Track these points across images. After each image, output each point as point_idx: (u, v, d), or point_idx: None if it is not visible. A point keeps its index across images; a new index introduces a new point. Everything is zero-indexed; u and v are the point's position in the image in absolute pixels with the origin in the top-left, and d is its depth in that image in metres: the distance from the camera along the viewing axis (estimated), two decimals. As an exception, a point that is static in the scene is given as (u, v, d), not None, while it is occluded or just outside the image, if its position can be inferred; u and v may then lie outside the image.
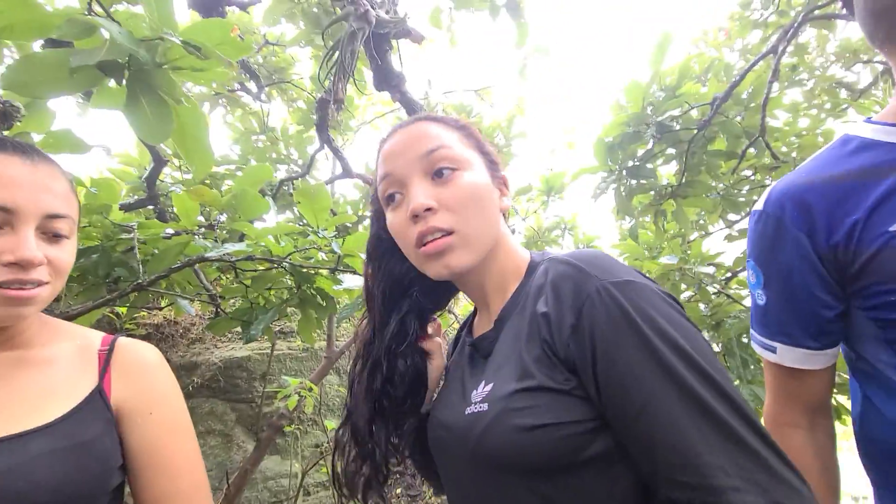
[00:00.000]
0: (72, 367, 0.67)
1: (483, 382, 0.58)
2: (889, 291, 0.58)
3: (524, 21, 1.93)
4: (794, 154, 2.17)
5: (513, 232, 0.74)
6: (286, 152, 2.87)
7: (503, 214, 0.69)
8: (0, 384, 0.62)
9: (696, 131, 1.85)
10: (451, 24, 2.12)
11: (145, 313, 2.86)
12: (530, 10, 1.96)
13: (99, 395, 0.66)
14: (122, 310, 2.03)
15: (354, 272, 1.34)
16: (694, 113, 1.99)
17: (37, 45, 1.37)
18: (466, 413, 0.57)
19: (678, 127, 1.86)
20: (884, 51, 0.63)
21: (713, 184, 2.07)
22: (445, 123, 0.67)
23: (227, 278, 2.16)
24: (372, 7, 1.39)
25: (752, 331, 0.76)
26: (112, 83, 0.91)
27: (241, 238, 1.81)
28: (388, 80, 1.52)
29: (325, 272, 1.44)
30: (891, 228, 0.57)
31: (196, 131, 0.96)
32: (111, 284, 1.63)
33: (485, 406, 0.54)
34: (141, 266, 1.38)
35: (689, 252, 2.10)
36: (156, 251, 1.52)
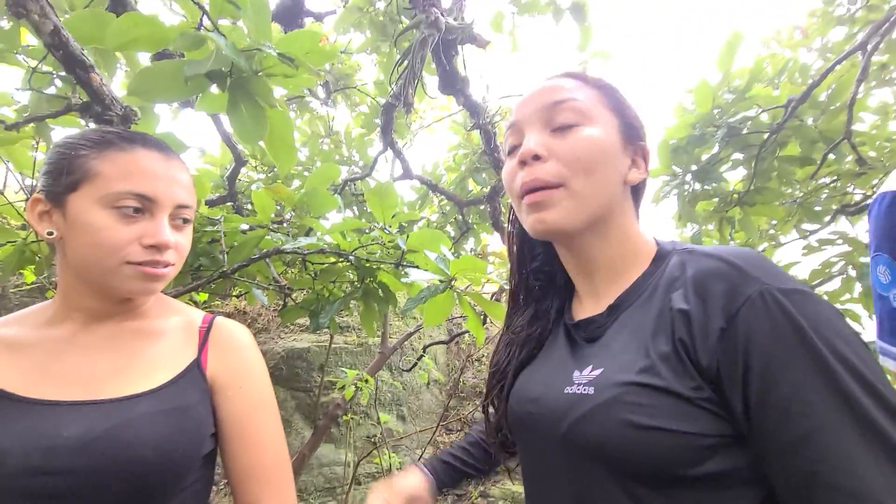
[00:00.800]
0: (177, 339, 0.75)
1: (591, 366, 0.54)
2: None
3: (587, 24, 1.93)
4: (883, 160, 2.01)
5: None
6: (348, 154, 3.02)
7: (633, 190, 0.63)
8: (119, 350, 0.70)
9: (767, 135, 1.77)
10: (513, 28, 2.16)
11: (219, 302, 3.09)
12: (593, 14, 1.96)
13: (197, 367, 0.73)
14: (202, 297, 2.22)
15: (416, 267, 1.40)
16: (765, 117, 1.90)
17: (143, 57, 1.56)
18: (566, 392, 0.54)
19: (747, 130, 1.79)
20: None
21: (785, 191, 1.96)
22: (585, 80, 0.62)
23: (293, 272, 2.31)
24: (441, 14, 1.45)
25: (882, 343, 0.65)
26: (215, 89, 1.03)
27: (308, 233, 1.93)
28: (453, 83, 1.58)
29: (387, 267, 1.51)
30: None
31: (283, 133, 1.07)
32: (195, 272, 1.80)
33: (590, 390, 0.51)
34: (225, 256, 1.52)
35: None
36: (235, 244, 1.66)
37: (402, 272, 1.26)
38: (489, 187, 2.58)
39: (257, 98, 0.97)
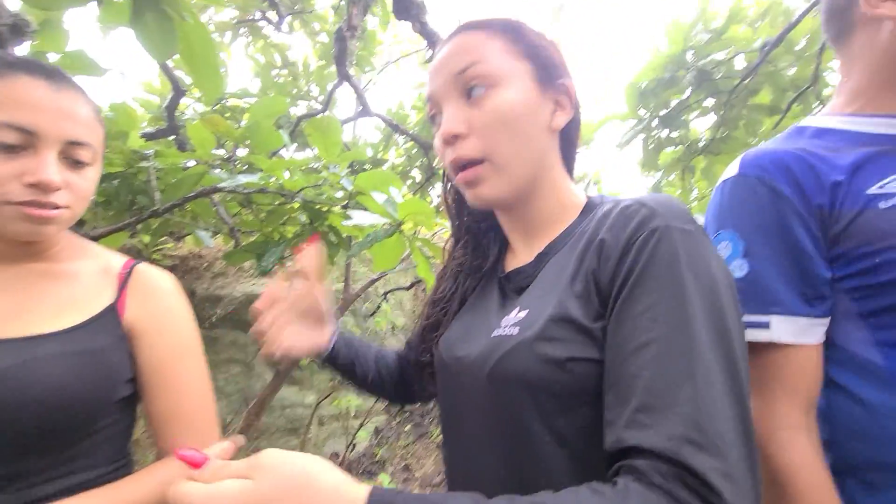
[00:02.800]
0: (92, 283, 0.71)
1: (517, 309, 0.56)
2: (869, 254, 0.56)
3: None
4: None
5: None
6: (307, 88, 2.81)
7: (563, 133, 0.62)
8: (22, 292, 0.66)
9: (738, 81, 1.71)
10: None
11: (172, 244, 2.96)
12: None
13: (112, 312, 0.70)
14: (144, 238, 2.10)
15: (365, 209, 1.33)
16: (740, 61, 1.83)
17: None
18: (492, 336, 0.56)
19: (720, 75, 1.72)
20: (833, 48, 0.70)
21: (751, 140, 1.94)
22: (490, 29, 0.59)
23: (246, 214, 2.20)
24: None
25: None
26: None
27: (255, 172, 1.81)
28: (407, 9, 1.43)
29: (337, 209, 1.43)
30: (869, 191, 0.58)
31: (204, 51, 0.94)
32: (135, 211, 1.67)
33: (514, 330, 0.53)
34: (158, 194, 1.40)
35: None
36: (173, 181, 1.54)
37: (346, 215, 1.19)
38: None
39: (164, 6, 0.84)
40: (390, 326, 3.83)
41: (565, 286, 0.52)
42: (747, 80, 1.75)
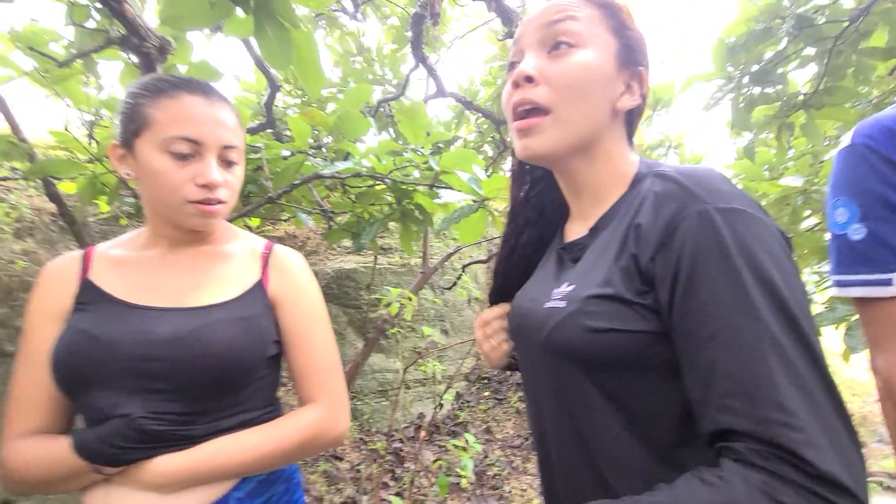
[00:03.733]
0: (243, 262, 0.86)
1: (567, 283, 0.60)
2: None
3: None
4: None
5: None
6: (381, 73, 2.94)
7: (628, 115, 0.64)
8: (196, 270, 0.83)
9: (846, 24, 1.55)
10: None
11: (270, 226, 3.29)
12: None
13: (260, 286, 0.85)
14: (254, 222, 2.38)
15: (450, 188, 1.43)
16: (847, 2, 1.65)
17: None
18: (545, 307, 0.61)
19: (823, 20, 1.57)
20: None
21: (861, 90, 1.75)
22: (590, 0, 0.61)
23: (335, 196, 2.40)
24: None
25: (841, 276, 0.71)
26: (241, 13, 1.02)
27: (346, 157, 1.97)
28: (483, -12, 1.47)
29: (422, 188, 1.55)
30: None
31: (309, 54, 1.06)
32: (244, 199, 1.91)
33: (563, 304, 0.57)
34: (269, 182, 1.60)
35: (819, 172, 1.85)
36: (278, 170, 1.74)
37: (435, 193, 1.29)
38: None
39: (281, 18, 0.96)
40: (466, 299, 3.98)
41: (610, 262, 0.54)
42: (858, 21, 1.58)
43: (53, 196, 1.59)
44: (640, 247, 0.52)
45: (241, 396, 0.80)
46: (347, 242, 3.33)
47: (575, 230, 0.68)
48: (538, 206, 0.76)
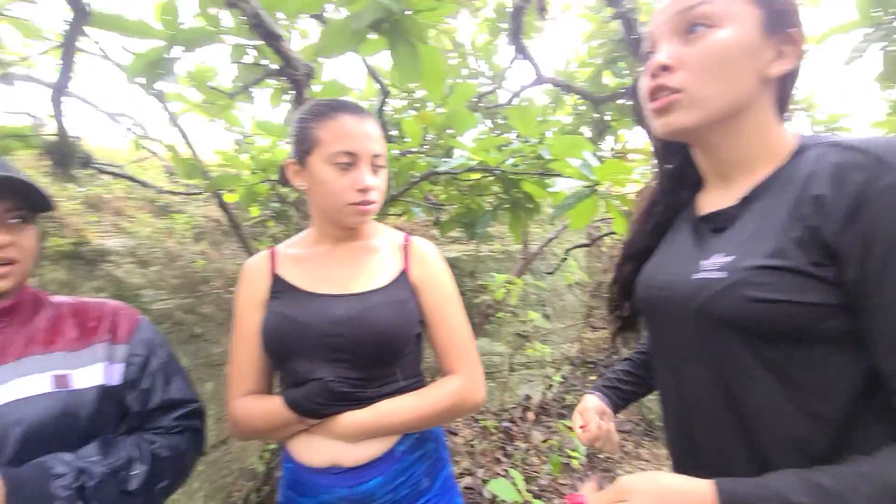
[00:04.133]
0: (388, 254, 1.01)
1: (721, 253, 0.59)
2: None
3: None
4: None
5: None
6: (476, 66, 3.02)
7: (781, 80, 0.62)
8: (355, 261, 0.99)
9: None
10: None
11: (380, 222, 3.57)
12: None
13: (404, 274, 0.99)
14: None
15: (559, 175, 1.47)
16: None
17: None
18: (695, 278, 0.60)
19: None
20: None
21: None
22: None
23: (438, 189, 2.55)
24: None
25: None
26: (373, 35, 1.17)
27: (448, 152, 2.10)
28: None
29: (531, 177, 1.61)
30: None
31: (434, 65, 1.18)
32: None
33: (722, 274, 0.56)
34: (391, 181, 1.78)
35: None
36: (394, 169, 1.91)
37: (549, 181, 1.34)
38: (631, 78, 2.38)
39: (409, 37, 1.09)
40: (567, 283, 3.96)
41: (778, 232, 0.53)
42: None
43: (222, 205, 1.93)
44: (822, 219, 0.50)
45: (397, 366, 0.96)
46: (453, 233, 3.49)
47: (713, 201, 0.68)
48: (679, 180, 0.76)
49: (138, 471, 0.76)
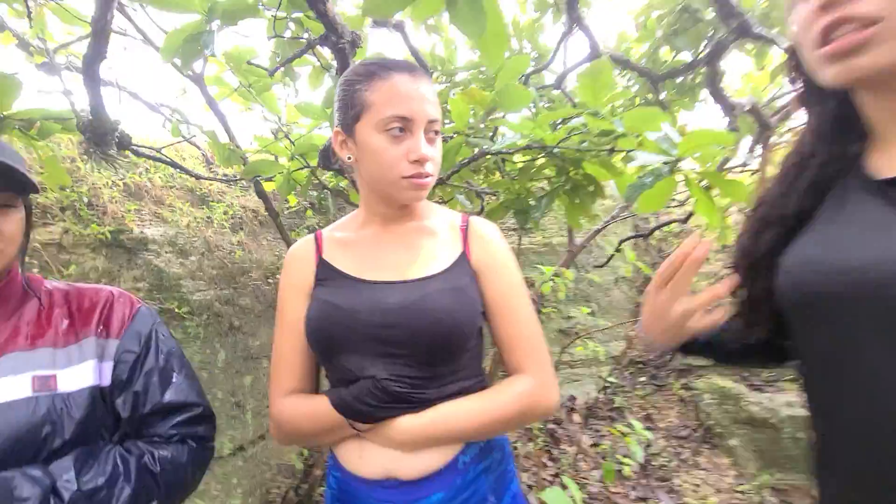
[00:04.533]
0: (446, 235, 0.89)
1: None
2: None
3: None
4: None
5: None
6: (519, 47, 2.85)
7: None
8: (410, 244, 0.87)
9: None
10: None
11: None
12: None
13: (464, 258, 0.86)
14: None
15: (629, 151, 1.30)
16: None
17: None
18: None
19: None
20: None
21: None
22: None
23: (478, 178, 2.41)
24: None
25: None
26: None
27: (494, 133, 1.95)
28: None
29: (592, 156, 1.44)
30: None
31: (496, 23, 1.04)
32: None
33: None
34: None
35: None
36: (439, 152, 1.78)
37: (625, 157, 1.18)
38: (693, 53, 2.17)
39: (471, -10, 0.95)
40: (614, 279, 3.74)
41: None
42: None
43: (261, 193, 1.86)
44: None
45: (459, 363, 0.83)
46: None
47: (891, 163, 0.54)
48: (845, 124, 0.60)
49: (122, 493, 0.64)
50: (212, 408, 0.83)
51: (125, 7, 1.44)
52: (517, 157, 1.84)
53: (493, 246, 0.89)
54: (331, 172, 1.89)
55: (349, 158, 0.85)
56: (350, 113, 0.81)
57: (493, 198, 2.22)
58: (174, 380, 0.76)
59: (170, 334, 0.82)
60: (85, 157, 1.48)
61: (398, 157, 0.78)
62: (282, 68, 1.42)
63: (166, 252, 1.94)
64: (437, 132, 0.83)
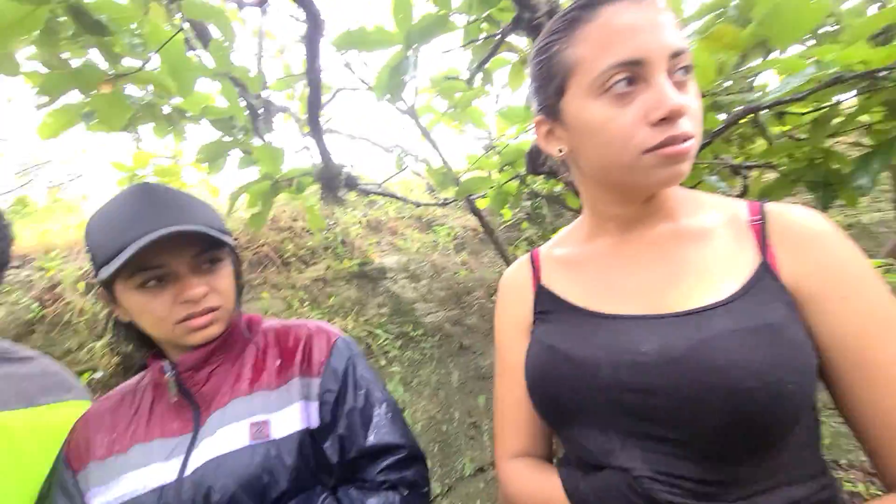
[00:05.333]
0: (726, 239, 0.57)
1: None
2: None
3: None
4: None
5: None
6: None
7: None
8: (666, 258, 0.58)
9: None
10: None
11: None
12: None
13: (768, 272, 0.53)
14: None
15: None
16: None
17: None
18: None
19: None
20: None
21: None
22: None
23: (733, 149, 1.83)
24: None
25: None
26: None
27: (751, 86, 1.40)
28: None
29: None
30: None
31: None
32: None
33: None
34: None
35: None
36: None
37: None
38: None
39: None
40: None
41: None
42: None
43: (475, 211, 1.82)
44: None
45: (781, 457, 0.49)
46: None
47: None
48: None
49: None
50: (418, 447, 0.73)
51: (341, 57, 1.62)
52: (795, 110, 1.27)
53: (824, 250, 0.52)
54: (541, 177, 1.72)
55: (560, 152, 0.63)
56: (550, 88, 0.59)
57: (761, 173, 1.63)
58: (374, 419, 0.70)
59: (367, 366, 0.76)
60: (322, 200, 1.70)
61: (633, 122, 0.52)
62: (480, 74, 1.32)
63: (401, 278, 2.09)
64: (687, 69, 0.53)
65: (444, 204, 1.94)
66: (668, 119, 0.51)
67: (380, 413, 0.70)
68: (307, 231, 1.98)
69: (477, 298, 2.22)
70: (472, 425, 2.08)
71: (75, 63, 1.22)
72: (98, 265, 0.64)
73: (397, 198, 1.72)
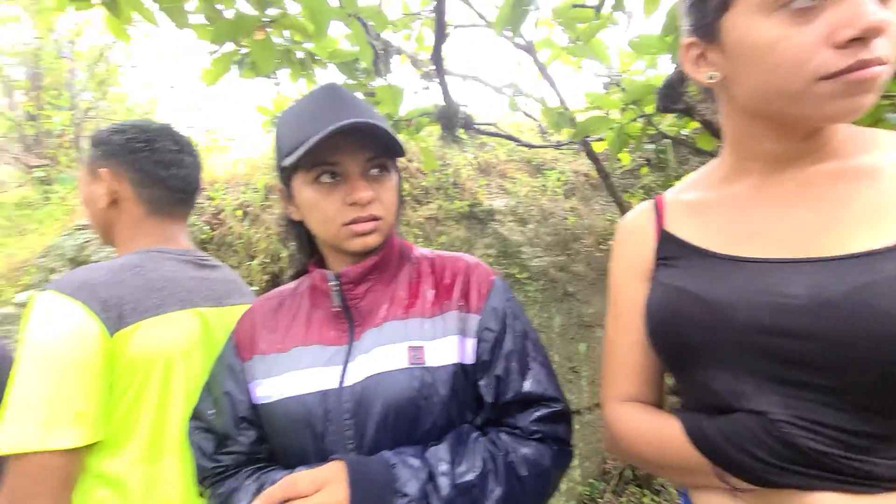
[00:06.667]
0: None
1: None
2: None
3: None
4: None
5: None
6: None
7: None
8: (820, 199, 0.52)
9: None
10: None
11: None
12: None
13: None
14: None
15: None
16: None
17: None
18: None
19: None
20: None
21: None
22: None
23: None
24: None
25: None
26: None
27: None
28: None
29: None
30: None
31: None
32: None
33: None
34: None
35: None
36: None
37: None
38: None
39: None
40: None
41: None
42: None
43: (590, 154, 1.72)
44: None
45: None
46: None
47: None
48: None
49: (492, 493, 0.59)
50: (569, 406, 0.72)
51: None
52: None
53: None
54: (672, 116, 1.55)
55: (710, 79, 0.57)
56: (711, 3, 0.53)
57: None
58: (531, 366, 0.68)
59: (522, 311, 0.74)
60: (440, 141, 1.73)
61: (812, 42, 0.46)
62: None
63: (509, 221, 2.10)
64: None
65: (559, 146, 1.85)
66: (864, 37, 0.43)
67: (536, 362, 0.69)
68: (420, 171, 2.06)
69: (585, 246, 2.16)
70: (571, 370, 2.11)
71: (228, 14, 1.35)
72: (282, 156, 0.67)
73: (512, 139, 1.68)
